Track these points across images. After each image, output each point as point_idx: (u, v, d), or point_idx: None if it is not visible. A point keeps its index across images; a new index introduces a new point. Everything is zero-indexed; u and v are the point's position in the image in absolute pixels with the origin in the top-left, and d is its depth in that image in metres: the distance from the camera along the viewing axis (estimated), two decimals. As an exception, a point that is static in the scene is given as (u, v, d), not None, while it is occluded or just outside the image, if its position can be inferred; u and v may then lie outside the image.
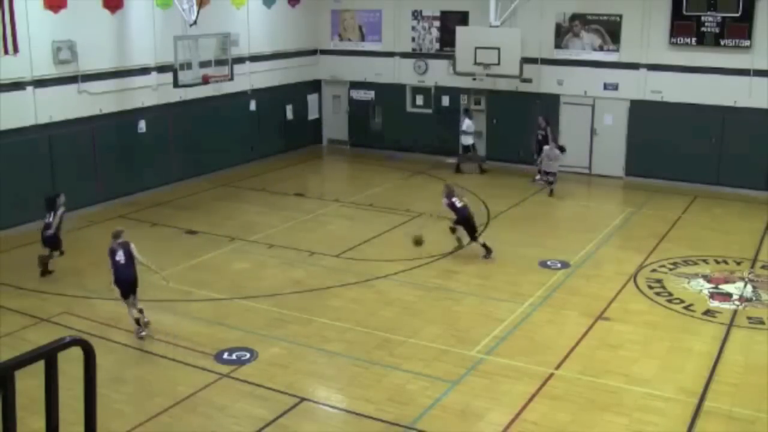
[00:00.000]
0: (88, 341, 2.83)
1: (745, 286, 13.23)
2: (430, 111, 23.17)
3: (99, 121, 17.72)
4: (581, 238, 15.72)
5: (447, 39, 22.19)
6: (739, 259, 14.54)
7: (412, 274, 13.85)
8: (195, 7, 18.07)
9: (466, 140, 21.45)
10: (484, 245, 14.58)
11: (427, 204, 17.20)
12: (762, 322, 11.75)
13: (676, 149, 19.83)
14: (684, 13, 19.29)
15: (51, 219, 13.48)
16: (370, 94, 24.01)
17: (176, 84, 17.82)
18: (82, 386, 2.85)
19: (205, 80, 18.42)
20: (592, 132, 21.09)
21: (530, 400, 9.41)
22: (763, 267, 14.14)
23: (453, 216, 14.59)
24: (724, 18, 18.87)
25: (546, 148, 19.07)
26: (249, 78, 21.73)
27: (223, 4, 20.50)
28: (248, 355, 10.62)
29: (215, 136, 20.74)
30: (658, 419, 9.00)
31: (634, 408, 9.26)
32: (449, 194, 14.64)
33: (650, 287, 13.15)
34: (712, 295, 12.78)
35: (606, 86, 20.70)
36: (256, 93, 22.17)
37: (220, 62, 19.08)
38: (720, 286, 13.19)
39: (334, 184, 22.33)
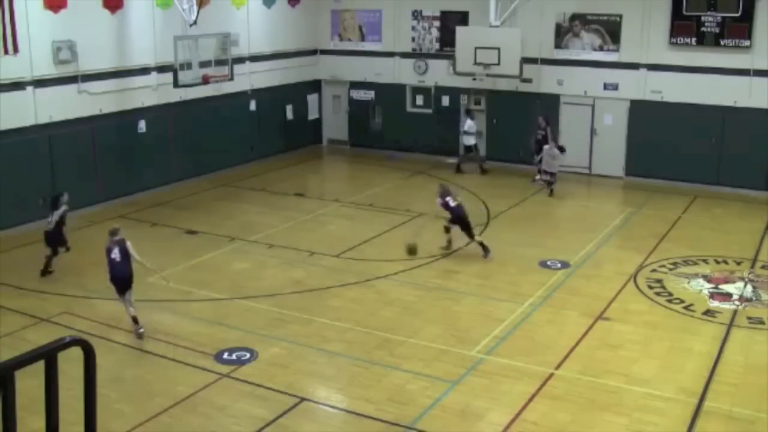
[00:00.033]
0: (88, 341, 2.83)
1: (745, 286, 13.23)
2: (430, 111, 23.17)
3: (99, 121, 17.72)
4: (581, 238, 15.72)
5: (447, 39, 22.19)
6: (739, 259, 14.54)
7: (412, 274, 13.85)
8: (195, 7, 18.07)
9: (468, 140, 21.45)
10: (481, 244, 14.60)
11: (427, 204, 17.16)
12: (762, 322, 11.75)
13: (676, 149, 19.83)
14: (684, 13, 19.29)
15: (51, 218, 13.51)
16: (370, 94, 24.01)
17: (176, 84, 17.82)
18: (82, 386, 2.85)
19: (205, 80, 18.42)
20: (592, 132, 21.09)
21: (530, 400, 9.41)
22: (763, 267, 14.14)
23: (448, 215, 14.61)
24: (724, 18, 18.87)
25: (546, 147, 19.08)
26: (249, 78, 21.73)
27: (223, 4, 20.50)
28: (248, 355, 10.62)
29: (215, 136, 20.74)
30: (658, 419, 9.00)
31: (634, 408, 9.26)
32: (443, 194, 14.68)
33: (650, 287, 13.15)
34: (712, 295, 12.78)
35: (606, 86, 20.70)
36: (256, 93, 22.18)
37: (220, 62, 19.08)
38: (720, 286, 13.19)
39: (334, 184, 22.33)
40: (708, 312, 12.14)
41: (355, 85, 24.17)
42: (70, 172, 16.83)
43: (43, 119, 16.47)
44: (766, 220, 16.92)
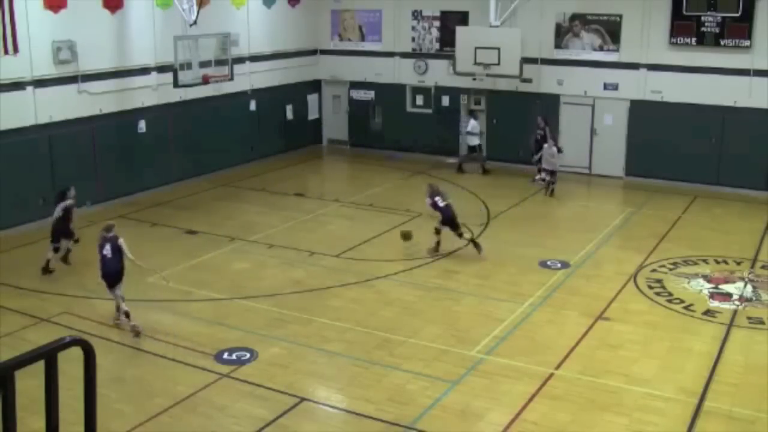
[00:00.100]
0: (88, 341, 2.83)
1: (745, 286, 13.23)
2: (430, 111, 23.17)
3: (99, 121, 17.72)
4: (581, 238, 15.72)
5: (447, 39, 22.19)
6: (739, 259, 14.54)
7: (412, 274, 13.85)
8: (195, 7, 18.07)
9: (472, 141, 21.48)
10: (471, 241, 14.60)
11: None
12: (762, 322, 11.75)
13: (676, 149, 19.83)
14: (684, 13, 19.29)
15: (56, 211, 13.57)
16: (370, 94, 24.01)
17: (176, 84, 17.82)
18: (82, 386, 2.85)
19: (205, 80, 18.42)
20: (592, 132, 21.09)
21: (530, 400, 9.41)
22: (763, 267, 14.14)
23: (439, 216, 14.60)
24: (724, 18, 18.87)
25: (545, 146, 19.07)
26: (249, 78, 21.73)
27: (223, 4, 20.50)
28: (248, 355, 10.62)
29: (215, 136, 20.74)
30: (658, 419, 9.00)
31: (634, 408, 9.26)
32: (432, 194, 14.68)
33: (650, 287, 13.15)
34: (712, 295, 12.78)
35: (606, 86, 20.70)
36: (256, 93, 22.18)
37: (220, 62, 19.08)
38: (720, 286, 13.19)
39: (334, 184, 22.33)
40: (708, 312, 12.15)
41: (355, 85, 24.17)
42: (70, 172, 16.79)
43: (43, 119, 16.48)
44: (766, 220, 16.92)
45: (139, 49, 18.46)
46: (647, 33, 19.95)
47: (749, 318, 11.93)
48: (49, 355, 2.71)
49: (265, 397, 9.57)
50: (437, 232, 14.65)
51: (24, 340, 10.88)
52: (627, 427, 8.86)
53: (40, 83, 16.35)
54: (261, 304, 12.48)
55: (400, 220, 16.94)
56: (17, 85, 15.92)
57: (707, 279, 13.52)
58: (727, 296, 12.77)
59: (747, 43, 18.75)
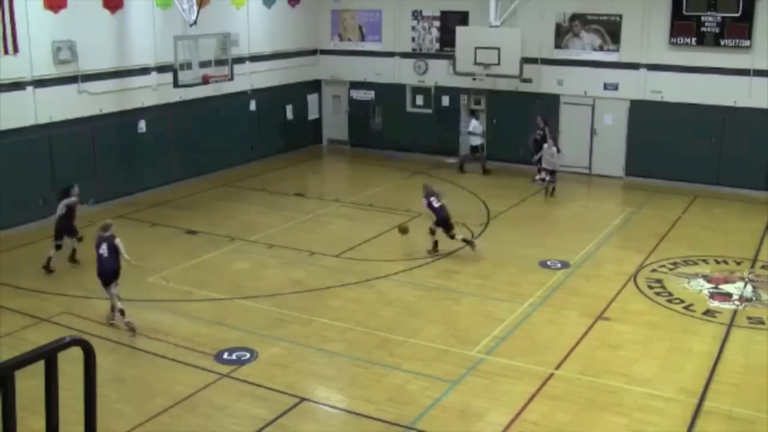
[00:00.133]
0: (88, 341, 2.83)
1: (745, 286, 13.23)
2: (430, 111, 23.17)
3: (99, 121, 17.72)
4: (581, 238, 15.72)
5: (447, 39, 22.19)
6: (739, 259, 14.54)
7: (412, 274, 13.85)
8: (195, 7, 18.07)
9: (474, 141, 21.49)
10: (464, 240, 14.60)
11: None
12: (762, 322, 11.75)
13: (676, 149, 19.83)
14: (684, 13, 19.29)
15: (58, 208, 13.61)
16: (370, 94, 24.01)
17: (176, 84, 17.82)
18: (82, 386, 2.85)
19: (205, 80, 18.42)
20: (592, 132, 21.09)
21: (530, 400, 9.41)
22: (763, 267, 14.14)
23: (434, 216, 14.60)
24: (724, 18, 18.87)
25: (545, 146, 19.07)
26: (249, 78, 21.73)
27: (223, 4, 20.50)
28: (248, 355, 10.62)
29: (215, 136, 20.74)
30: (658, 419, 9.00)
31: (634, 408, 9.26)
32: (428, 194, 14.72)
33: (650, 287, 13.15)
34: (712, 295, 12.78)
35: (606, 86, 20.70)
36: (256, 93, 22.18)
37: (220, 62, 19.08)
38: (720, 286, 13.19)
39: (334, 184, 22.33)
40: (708, 312, 12.15)
41: (355, 85, 24.17)
42: (70, 172, 16.77)
43: (43, 119, 16.48)
44: (766, 220, 16.92)
45: (139, 49, 18.46)
46: (647, 33, 19.95)
47: (749, 318, 11.93)
48: (49, 355, 2.71)
49: (265, 397, 9.57)
50: (432, 232, 14.67)
51: (24, 340, 10.88)
52: (627, 427, 8.87)
53: (40, 83, 16.35)
54: (261, 304, 12.48)
55: (400, 220, 16.91)
56: (17, 85, 15.92)
57: (707, 279, 13.52)
58: (727, 296, 12.77)
59: (747, 43, 18.75)
